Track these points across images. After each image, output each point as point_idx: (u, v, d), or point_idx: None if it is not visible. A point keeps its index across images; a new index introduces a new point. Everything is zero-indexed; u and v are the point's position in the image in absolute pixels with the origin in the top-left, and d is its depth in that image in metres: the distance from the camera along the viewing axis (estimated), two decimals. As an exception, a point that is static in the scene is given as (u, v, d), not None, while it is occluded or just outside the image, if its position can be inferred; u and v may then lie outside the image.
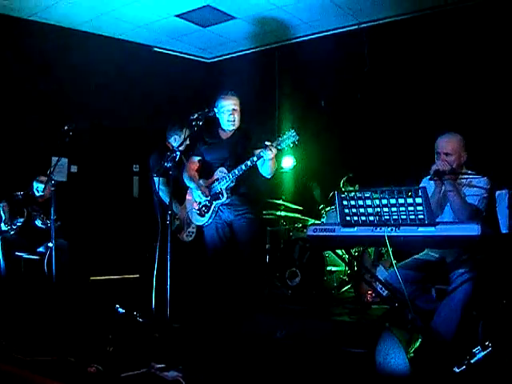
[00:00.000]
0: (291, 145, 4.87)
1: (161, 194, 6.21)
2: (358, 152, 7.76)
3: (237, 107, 5.30)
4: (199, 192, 5.32)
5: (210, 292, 5.38)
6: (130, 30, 8.50)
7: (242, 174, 5.07)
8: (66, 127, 5.92)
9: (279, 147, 4.89)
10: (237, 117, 5.29)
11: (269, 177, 5.22)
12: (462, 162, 4.33)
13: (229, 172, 5.14)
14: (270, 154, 4.87)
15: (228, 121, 5.27)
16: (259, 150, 4.94)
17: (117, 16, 7.95)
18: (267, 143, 4.88)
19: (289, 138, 4.86)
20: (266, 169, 5.10)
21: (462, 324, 3.90)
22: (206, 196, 5.27)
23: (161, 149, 6.47)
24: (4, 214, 7.07)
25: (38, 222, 7.01)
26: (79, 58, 8.24)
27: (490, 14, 6.77)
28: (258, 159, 4.96)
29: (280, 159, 7.64)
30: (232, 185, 5.17)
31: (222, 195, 5.19)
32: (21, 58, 7.77)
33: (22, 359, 3.97)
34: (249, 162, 4.98)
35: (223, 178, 5.17)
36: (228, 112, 5.26)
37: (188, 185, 5.50)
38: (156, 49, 9.35)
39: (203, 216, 5.36)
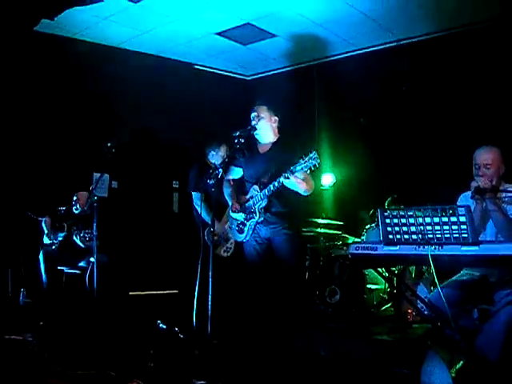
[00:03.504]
0: (312, 168, 4.75)
1: (197, 208, 6.32)
2: (399, 169, 7.70)
3: (262, 114, 5.25)
4: (233, 211, 5.39)
5: (249, 309, 5.37)
6: (170, 47, 8.61)
7: (274, 193, 5.04)
8: (108, 144, 6.01)
9: (296, 172, 4.80)
10: (260, 124, 5.23)
11: (304, 194, 5.15)
12: (500, 175, 4.29)
13: (261, 191, 5.13)
14: (286, 181, 4.85)
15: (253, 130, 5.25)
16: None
17: (158, 34, 8.07)
18: (286, 173, 4.82)
19: (306, 162, 4.74)
20: (296, 189, 5.06)
21: (507, 346, 3.84)
22: (238, 213, 5.31)
23: (200, 165, 6.55)
24: (46, 228, 7.20)
25: (77, 239, 7.08)
26: (121, 75, 8.35)
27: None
28: (279, 184, 4.92)
29: (319, 177, 7.66)
30: (265, 204, 5.13)
31: (256, 214, 5.18)
32: (64, 75, 7.92)
33: (64, 372, 4.00)
34: (276, 183, 4.94)
35: (256, 197, 5.17)
36: (252, 120, 5.26)
37: (227, 199, 5.54)
38: (196, 66, 9.45)
39: (242, 232, 5.36)
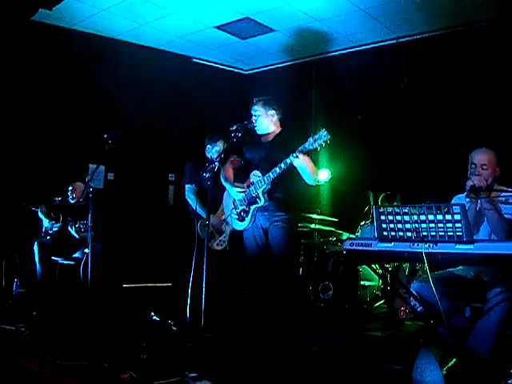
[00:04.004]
0: (323, 144, 4.75)
1: (189, 201, 6.32)
2: (394, 166, 7.71)
3: (258, 113, 5.27)
4: (235, 189, 5.33)
5: (243, 302, 5.38)
6: (169, 40, 8.60)
7: (277, 177, 5.01)
8: (105, 135, 6.01)
9: (304, 150, 4.82)
10: (258, 121, 5.27)
11: (310, 183, 5.12)
12: (495, 177, 4.33)
13: (263, 176, 5.11)
14: (296, 160, 4.84)
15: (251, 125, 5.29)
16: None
17: (157, 27, 8.05)
18: (295, 152, 4.84)
19: (317, 140, 4.77)
20: (303, 175, 5.04)
21: (499, 343, 3.86)
22: (243, 190, 5.27)
23: (197, 159, 6.54)
24: (43, 216, 7.21)
25: (72, 230, 7.07)
26: (118, 67, 8.36)
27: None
28: (286, 165, 4.91)
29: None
30: (268, 188, 5.10)
31: (259, 199, 5.14)
32: (62, 66, 7.92)
33: (57, 363, 4.00)
34: (282, 165, 4.91)
35: (259, 182, 5.14)
36: (252, 118, 5.30)
37: (224, 185, 5.50)
38: (195, 59, 9.44)
39: (243, 221, 5.33)
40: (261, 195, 5.13)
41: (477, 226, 4.28)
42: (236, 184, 5.37)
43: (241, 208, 5.33)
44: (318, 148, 4.80)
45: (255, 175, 5.21)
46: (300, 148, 4.83)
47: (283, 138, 5.26)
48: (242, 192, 5.27)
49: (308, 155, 4.92)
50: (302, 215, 7.08)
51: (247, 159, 5.44)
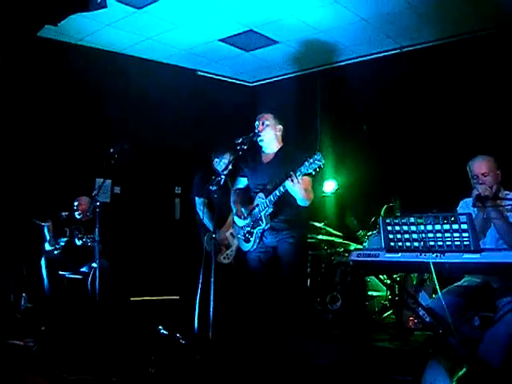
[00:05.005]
0: (317, 169, 4.75)
1: (200, 213, 6.33)
2: (400, 176, 7.70)
3: (267, 122, 5.29)
4: (236, 217, 5.39)
5: (251, 315, 5.37)
6: (173, 53, 8.63)
7: (279, 199, 5.03)
8: (111, 149, 6.02)
9: (299, 173, 4.79)
10: (264, 132, 5.28)
11: (302, 204, 5.11)
12: (498, 181, 4.33)
13: (266, 198, 5.13)
14: (290, 184, 4.82)
15: (257, 136, 5.28)
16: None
17: (161, 40, 8.08)
18: (291, 173, 4.83)
19: (312, 164, 4.74)
20: (297, 195, 5.01)
21: (510, 353, 3.83)
22: (242, 219, 5.30)
23: (205, 171, 6.56)
24: (48, 233, 7.20)
25: (78, 241, 7.06)
26: (124, 82, 8.38)
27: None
28: (284, 188, 4.91)
29: (321, 184, 7.67)
30: (270, 210, 5.13)
31: (262, 221, 5.17)
32: (68, 81, 7.95)
33: (65, 377, 4.00)
34: (281, 188, 4.93)
35: (262, 204, 5.16)
36: (256, 127, 5.30)
37: (233, 208, 5.55)
38: (199, 72, 9.46)
39: (248, 242, 5.35)
40: (263, 218, 5.15)
41: (484, 233, 4.27)
42: (241, 210, 5.39)
43: (246, 229, 5.35)
44: (313, 172, 4.79)
45: (260, 197, 5.24)
46: (296, 171, 4.80)
47: (284, 156, 5.28)
48: (245, 219, 5.32)
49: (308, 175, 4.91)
50: (309, 227, 7.08)
51: (250, 183, 5.47)
